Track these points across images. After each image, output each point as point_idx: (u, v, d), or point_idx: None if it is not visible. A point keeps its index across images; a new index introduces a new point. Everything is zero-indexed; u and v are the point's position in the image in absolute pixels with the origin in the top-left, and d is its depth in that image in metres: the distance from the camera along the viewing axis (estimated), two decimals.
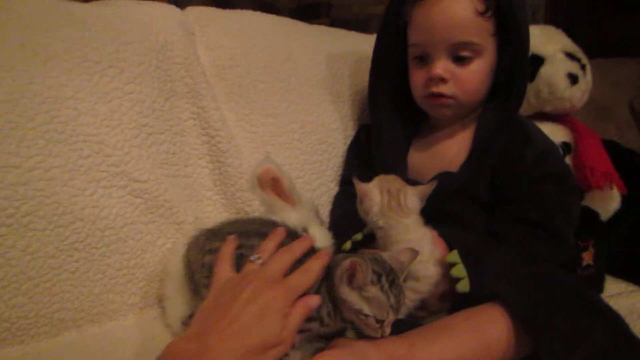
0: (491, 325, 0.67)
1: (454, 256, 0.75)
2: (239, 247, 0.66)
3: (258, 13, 1.10)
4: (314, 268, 0.61)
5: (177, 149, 0.90)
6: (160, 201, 0.84)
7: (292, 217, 0.78)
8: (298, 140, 1.02)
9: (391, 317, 0.62)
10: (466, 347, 0.66)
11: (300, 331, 0.63)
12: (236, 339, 0.52)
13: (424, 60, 0.86)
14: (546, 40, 1.15)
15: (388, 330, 0.63)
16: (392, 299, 0.61)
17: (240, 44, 1.01)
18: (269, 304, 0.55)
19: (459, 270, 0.74)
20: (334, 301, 0.63)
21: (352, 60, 1.13)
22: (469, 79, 0.84)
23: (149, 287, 0.83)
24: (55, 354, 0.72)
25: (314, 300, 0.60)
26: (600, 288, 1.00)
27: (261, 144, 0.98)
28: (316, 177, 1.03)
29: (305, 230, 0.81)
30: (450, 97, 0.85)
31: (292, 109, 1.03)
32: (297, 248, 0.64)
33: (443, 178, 0.87)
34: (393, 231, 0.75)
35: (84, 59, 0.80)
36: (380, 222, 0.75)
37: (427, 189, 0.77)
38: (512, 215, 0.83)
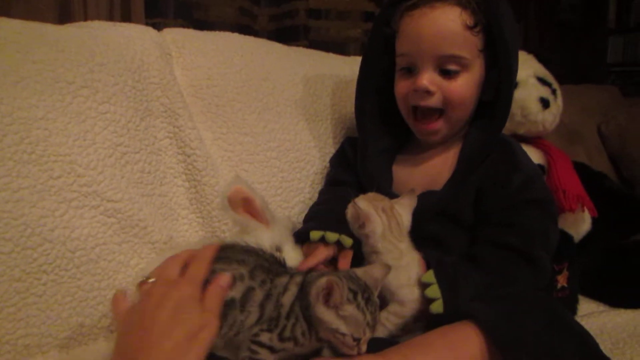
0: (465, 344, 0.67)
1: (430, 276, 0.75)
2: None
3: (235, 34, 1.11)
4: (205, 254, 0.62)
5: (152, 168, 0.89)
6: (135, 220, 0.82)
7: (265, 236, 0.78)
8: (275, 158, 1.02)
9: (368, 335, 0.62)
10: None
11: (274, 351, 0.62)
12: (160, 344, 0.52)
13: (411, 71, 0.86)
14: (519, 65, 1.19)
15: (364, 347, 0.62)
16: (368, 317, 0.61)
17: (217, 64, 1.02)
18: (177, 300, 0.56)
19: (434, 291, 0.74)
20: (309, 320, 0.62)
21: (329, 81, 1.14)
22: (456, 91, 0.83)
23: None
24: None
25: (224, 278, 0.61)
26: (574, 309, 1.01)
27: (238, 163, 0.98)
28: (294, 194, 1.03)
29: (279, 249, 0.80)
30: (436, 108, 0.85)
31: (269, 127, 1.03)
32: (182, 253, 0.64)
33: (426, 197, 0.87)
34: (389, 256, 0.75)
35: (56, 80, 0.79)
36: (379, 246, 0.75)
37: (411, 201, 0.78)
38: (492, 239, 0.83)
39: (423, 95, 0.84)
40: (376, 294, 0.65)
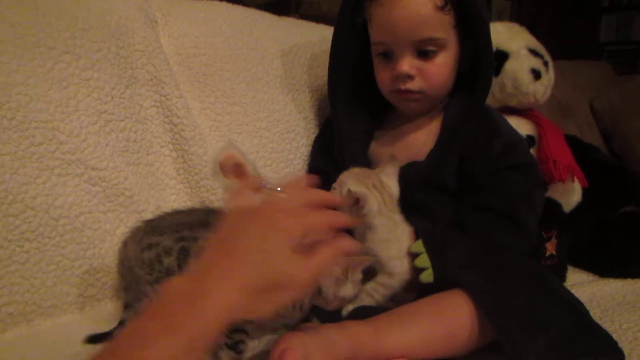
0: (455, 312, 0.67)
1: (419, 246, 0.75)
2: (182, 239, 0.63)
3: (223, 3, 1.09)
4: (340, 216, 0.53)
5: (138, 137, 0.87)
6: (120, 189, 0.81)
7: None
8: (265, 129, 1.01)
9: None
10: (430, 333, 0.66)
11: (249, 321, 0.61)
12: (236, 277, 0.43)
13: (389, 56, 0.86)
14: (511, 37, 1.17)
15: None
16: None
17: (204, 32, 1.00)
18: (281, 238, 0.46)
19: (423, 261, 0.74)
20: None
21: (319, 51, 1.13)
22: (436, 72, 0.84)
23: (107, 278, 0.79)
24: (4, 350, 0.68)
25: (350, 243, 0.50)
26: (562, 277, 1.02)
27: (227, 133, 0.97)
28: (284, 165, 1.02)
29: None
30: (418, 92, 0.85)
31: (258, 98, 1.01)
32: (321, 192, 0.55)
33: (410, 168, 0.87)
34: (384, 229, 0.75)
35: (36, 45, 0.77)
36: (376, 222, 0.74)
37: (395, 168, 0.78)
38: (477, 204, 0.84)
39: (404, 80, 0.85)
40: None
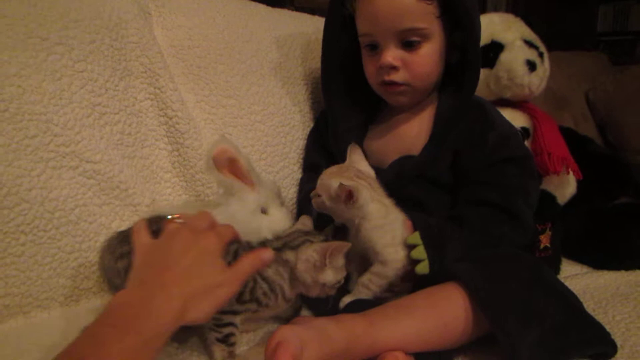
0: (449, 304, 0.67)
1: (416, 238, 0.75)
2: None
3: None
4: (232, 227, 0.63)
5: (133, 130, 0.87)
6: (115, 182, 0.81)
7: (250, 197, 0.77)
8: (260, 122, 1.00)
9: None
10: (425, 325, 0.66)
11: (237, 313, 0.64)
12: (179, 284, 0.52)
13: (375, 48, 0.86)
14: (506, 28, 1.17)
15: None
16: None
17: (198, 24, 0.99)
18: (204, 249, 0.56)
19: (420, 252, 0.74)
20: (270, 281, 0.65)
21: (314, 43, 1.12)
22: (420, 63, 0.84)
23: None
24: (0, 341, 0.68)
25: (268, 254, 0.61)
26: (556, 269, 1.03)
27: (222, 126, 0.96)
28: (279, 159, 1.02)
29: (264, 211, 0.79)
30: (403, 84, 0.85)
31: (253, 90, 1.01)
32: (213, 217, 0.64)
33: (404, 162, 0.87)
34: (377, 215, 0.75)
35: (29, 36, 0.77)
36: (370, 207, 0.75)
37: (359, 154, 0.81)
38: (473, 198, 0.84)
39: (389, 71, 0.85)
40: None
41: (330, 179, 0.75)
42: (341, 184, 0.72)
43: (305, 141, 1.06)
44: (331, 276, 0.67)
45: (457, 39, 0.86)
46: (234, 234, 0.62)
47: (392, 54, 0.83)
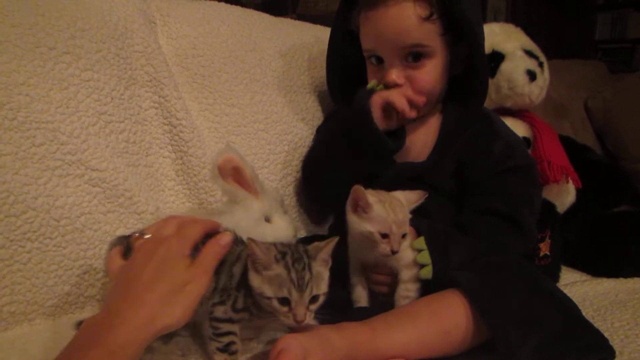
0: (450, 312, 0.68)
1: (420, 243, 0.76)
2: None
3: (221, 4, 1.10)
4: (204, 221, 0.63)
5: (137, 138, 0.88)
6: (120, 190, 0.82)
7: (254, 206, 0.78)
8: (263, 130, 1.01)
9: (295, 296, 0.59)
10: (426, 332, 0.67)
11: (234, 321, 0.63)
12: (142, 293, 0.53)
13: (380, 61, 0.87)
14: (506, 38, 1.18)
15: (302, 314, 0.59)
16: (293, 274, 0.59)
17: (203, 34, 1.00)
18: (164, 256, 0.57)
19: (424, 257, 0.75)
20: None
21: (317, 52, 1.13)
22: (424, 79, 0.85)
23: (107, 278, 0.80)
24: (6, 348, 0.69)
25: (225, 237, 0.60)
26: (556, 277, 1.03)
27: (225, 134, 0.97)
28: (282, 167, 1.02)
29: (268, 219, 0.80)
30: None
31: (256, 99, 1.02)
32: (183, 216, 0.64)
33: (406, 167, 0.88)
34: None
35: (37, 45, 0.77)
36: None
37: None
38: (478, 207, 0.85)
39: (393, 87, 0.85)
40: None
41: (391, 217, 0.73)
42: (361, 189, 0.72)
43: (308, 148, 1.07)
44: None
45: (460, 52, 0.87)
46: (201, 231, 0.60)
47: (396, 72, 0.84)
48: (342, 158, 0.88)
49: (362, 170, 0.86)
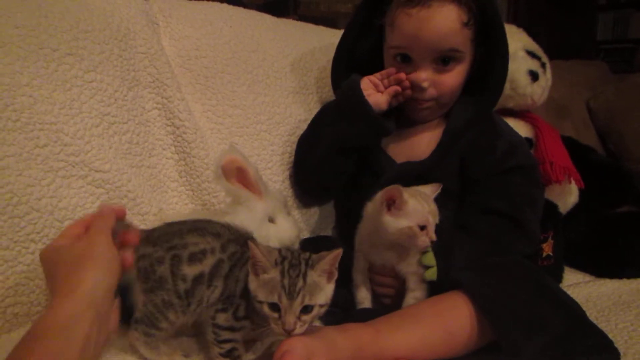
0: (454, 313, 0.68)
1: None
2: (172, 248, 0.64)
3: (224, 5, 1.10)
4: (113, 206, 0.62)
5: (140, 139, 0.88)
6: (123, 191, 0.82)
7: (258, 207, 0.78)
8: (266, 131, 1.01)
9: (285, 303, 0.57)
10: (431, 334, 0.67)
11: (235, 330, 0.63)
12: (53, 293, 0.52)
13: (406, 59, 0.86)
14: (508, 39, 1.18)
15: (290, 323, 0.57)
16: (286, 280, 0.57)
17: (205, 35, 1.00)
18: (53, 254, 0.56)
19: (429, 259, 0.75)
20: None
21: (319, 54, 1.13)
22: (450, 83, 0.86)
23: None
24: (9, 350, 0.68)
25: (107, 206, 0.60)
26: (558, 278, 1.03)
27: (228, 135, 0.97)
28: (284, 168, 1.03)
29: (272, 220, 0.80)
30: (430, 99, 0.87)
31: (259, 100, 1.02)
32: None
33: (409, 165, 0.88)
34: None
35: (40, 46, 0.77)
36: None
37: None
38: (481, 206, 0.85)
39: (420, 90, 0.86)
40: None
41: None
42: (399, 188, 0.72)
43: None
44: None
45: (479, 55, 0.87)
46: (83, 222, 0.59)
47: (426, 75, 0.84)
48: (329, 125, 0.90)
49: (347, 141, 0.89)
